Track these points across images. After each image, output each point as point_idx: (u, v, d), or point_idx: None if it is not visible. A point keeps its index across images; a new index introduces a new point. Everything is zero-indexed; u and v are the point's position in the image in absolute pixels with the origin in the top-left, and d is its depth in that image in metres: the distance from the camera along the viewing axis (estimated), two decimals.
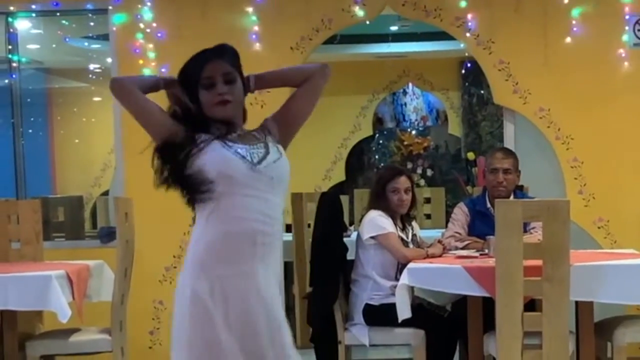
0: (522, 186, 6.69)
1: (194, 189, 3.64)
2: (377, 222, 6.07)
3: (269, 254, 3.66)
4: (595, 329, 5.59)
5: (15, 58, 7.96)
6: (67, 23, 8.84)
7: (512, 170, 6.33)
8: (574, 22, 7.32)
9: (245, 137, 3.72)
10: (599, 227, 7.30)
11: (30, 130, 8.32)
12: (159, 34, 7.40)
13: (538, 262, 5.02)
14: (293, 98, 3.96)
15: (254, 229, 3.59)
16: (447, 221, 6.78)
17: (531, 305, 5.31)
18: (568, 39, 7.33)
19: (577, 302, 5.54)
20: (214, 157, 3.59)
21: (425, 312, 6.06)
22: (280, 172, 3.69)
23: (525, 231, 5.45)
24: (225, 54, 3.81)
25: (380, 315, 5.96)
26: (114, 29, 7.48)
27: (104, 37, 8.12)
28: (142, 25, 7.43)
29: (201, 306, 3.65)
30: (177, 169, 3.70)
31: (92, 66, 11.22)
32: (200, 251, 3.67)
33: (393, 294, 5.73)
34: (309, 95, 4.01)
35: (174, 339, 3.77)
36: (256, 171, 3.60)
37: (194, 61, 3.77)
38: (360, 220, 6.32)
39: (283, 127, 3.93)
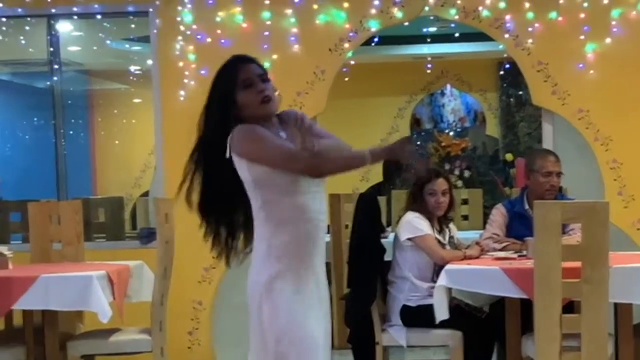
0: (561, 188, 6.66)
1: (259, 192, 3.71)
2: (415, 224, 6.08)
3: (322, 246, 3.83)
4: (635, 332, 5.56)
5: (57, 61, 8.03)
6: (108, 26, 8.91)
7: (561, 173, 6.31)
8: (614, 22, 7.29)
9: (290, 135, 3.80)
10: (638, 229, 7.26)
11: (71, 132, 8.40)
12: (199, 36, 7.45)
13: (577, 264, 5.01)
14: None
15: (318, 228, 3.76)
16: (485, 223, 6.76)
17: (570, 307, 5.29)
18: (608, 40, 7.30)
19: (616, 305, 5.51)
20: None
21: (463, 314, 6.06)
22: None
23: (564, 233, 5.43)
24: (253, 59, 3.86)
25: (418, 317, 5.97)
26: (155, 31, 7.53)
27: (145, 40, 8.18)
28: (182, 28, 7.48)
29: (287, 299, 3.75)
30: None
31: (132, 68, 11.30)
32: (273, 251, 3.75)
33: (430, 296, 5.74)
34: None
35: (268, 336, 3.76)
36: None
37: (227, 68, 3.82)
38: (398, 222, 6.33)
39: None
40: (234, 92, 3.78)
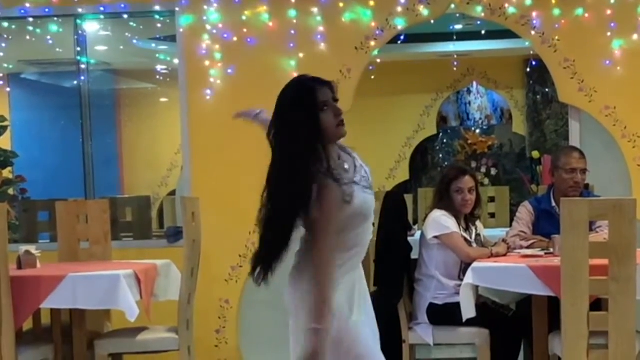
0: (588, 185, 6.64)
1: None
2: (441, 222, 6.07)
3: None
4: None
5: (83, 60, 8.08)
6: (134, 25, 8.94)
7: (586, 170, 6.29)
8: None
9: (351, 158, 3.83)
10: None
11: (98, 131, 8.42)
12: (225, 35, 7.46)
13: (604, 262, 4.99)
14: None
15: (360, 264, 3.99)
16: (512, 220, 6.76)
17: (597, 304, 5.27)
18: (635, 36, 7.26)
19: None
20: (364, 208, 3.73)
21: (490, 312, 6.05)
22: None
23: (591, 230, 5.41)
24: (326, 82, 3.79)
25: (445, 315, 5.97)
26: (181, 30, 7.55)
27: (171, 39, 8.19)
28: (208, 27, 7.49)
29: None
30: None
31: (159, 67, 11.33)
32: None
33: (457, 294, 5.74)
34: None
35: None
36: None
37: (306, 89, 3.71)
38: (424, 220, 6.32)
39: None
40: (316, 114, 3.67)
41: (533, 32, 7.35)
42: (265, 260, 3.60)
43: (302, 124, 3.61)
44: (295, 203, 3.55)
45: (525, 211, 6.43)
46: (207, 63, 7.49)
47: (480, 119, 13.26)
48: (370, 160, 3.99)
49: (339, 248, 3.68)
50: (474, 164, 12.65)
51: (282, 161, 3.60)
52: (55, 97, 11.64)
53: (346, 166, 3.74)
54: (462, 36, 10.98)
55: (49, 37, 8.64)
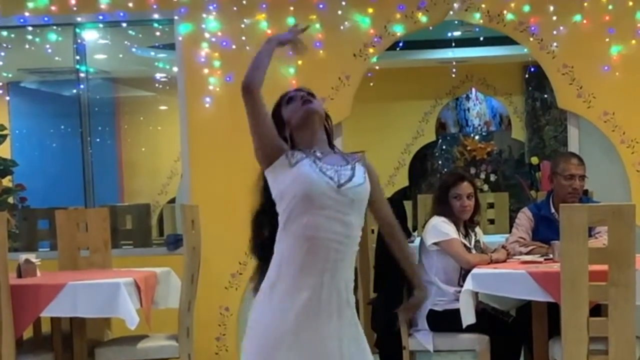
0: (587, 191, 6.64)
1: (281, 205, 3.78)
2: (440, 228, 6.08)
3: (340, 267, 3.81)
4: None
5: (83, 68, 8.09)
6: (133, 33, 8.95)
7: (585, 176, 6.30)
8: (639, 24, 7.27)
9: (332, 158, 3.88)
10: None
11: (97, 139, 8.44)
12: (224, 43, 7.48)
13: (604, 267, 5.00)
14: (381, 210, 4.23)
15: (329, 248, 3.74)
16: (511, 226, 6.76)
17: (597, 310, 5.27)
18: (633, 42, 7.28)
19: None
20: (301, 177, 3.73)
21: (490, 318, 6.05)
22: (361, 195, 3.86)
23: (590, 236, 5.42)
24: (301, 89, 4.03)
25: (444, 321, 5.97)
26: (180, 38, 7.57)
27: (170, 47, 8.21)
28: (207, 35, 7.51)
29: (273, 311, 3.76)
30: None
31: (158, 75, 11.33)
32: (283, 266, 3.78)
33: (457, 300, 5.74)
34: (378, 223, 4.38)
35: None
36: (340, 193, 3.76)
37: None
38: (424, 226, 6.33)
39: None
40: (280, 111, 3.95)
41: (531, 39, 7.37)
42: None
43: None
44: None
45: (525, 217, 6.43)
46: (206, 71, 7.50)
47: (479, 125, 13.27)
48: None
49: (287, 229, 3.77)
50: (473, 170, 12.65)
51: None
52: (54, 106, 11.65)
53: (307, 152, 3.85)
54: (461, 43, 10.99)
55: (48, 46, 8.65)
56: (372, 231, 7.88)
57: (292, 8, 7.42)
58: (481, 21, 7.43)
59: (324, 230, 3.73)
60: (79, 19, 7.75)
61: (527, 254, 6.16)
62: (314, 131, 3.91)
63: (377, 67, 8.32)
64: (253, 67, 3.81)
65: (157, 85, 11.67)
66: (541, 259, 5.84)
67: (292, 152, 3.81)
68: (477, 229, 6.37)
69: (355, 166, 3.88)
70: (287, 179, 3.75)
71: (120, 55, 10.49)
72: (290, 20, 7.41)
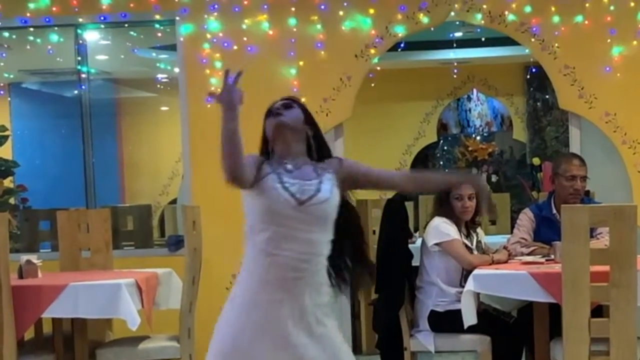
0: (588, 191, 6.64)
1: (247, 218, 3.94)
2: (441, 229, 6.08)
3: (300, 285, 3.81)
4: None
5: (84, 69, 8.10)
6: (134, 34, 8.95)
7: (586, 177, 6.29)
8: None
9: (303, 170, 3.86)
10: None
11: (99, 140, 8.43)
12: (225, 44, 7.48)
13: (605, 268, 4.99)
14: (389, 177, 4.13)
15: (288, 265, 3.79)
16: (512, 227, 6.75)
17: (598, 311, 5.27)
18: (634, 43, 7.28)
19: None
20: (263, 192, 3.79)
21: (491, 318, 6.05)
22: (325, 212, 3.83)
23: (591, 236, 5.41)
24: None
25: (446, 322, 5.96)
26: (181, 39, 7.57)
27: (172, 48, 8.21)
28: (208, 35, 7.51)
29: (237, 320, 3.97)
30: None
31: (159, 76, 11.34)
32: (245, 278, 3.99)
33: (458, 301, 5.74)
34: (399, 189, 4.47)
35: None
36: (301, 210, 3.77)
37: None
38: (425, 227, 6.33)
39: (352, 182, 4.03)
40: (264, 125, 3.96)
41: (533, 39, 7.37)
42: None
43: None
44: None
45: (526, 218, 6.43)
46: (207, 72, 7.50)
47: (481, 125, 13.27)
48: None
49: (251, 243, 3.98)
50: (474, 171, 12.64)
51: None
52: (56, 107, 11.65)
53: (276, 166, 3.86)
54: (462, 43, 11.00)
55: (49, 47, 8.65)
56: (374, 232, 7.89)
57: (293, 9, 7.43)
58: (482, 22, 7.44)
59: (284, 248, 3.78)
60: (80, 20, 7.75)
61: (528, 254, 6.15)
62: (287, 144, 3.90)
63: (378, 68, 8.31)
64: (225, 157, 3.63)
65: (158, 86, 11.68)
66: (542, 260, 5.83)
67: (264, 165, 3.85)
68: (479, 230, 6.37)
69: (323, 180, 3.86)
70: (252, 192, 3.82)
71: (122, 56, 10.50)
72: (292, 21, 7.41)
